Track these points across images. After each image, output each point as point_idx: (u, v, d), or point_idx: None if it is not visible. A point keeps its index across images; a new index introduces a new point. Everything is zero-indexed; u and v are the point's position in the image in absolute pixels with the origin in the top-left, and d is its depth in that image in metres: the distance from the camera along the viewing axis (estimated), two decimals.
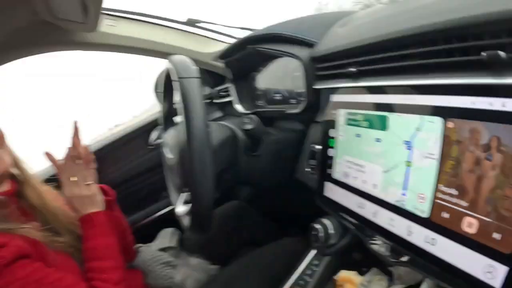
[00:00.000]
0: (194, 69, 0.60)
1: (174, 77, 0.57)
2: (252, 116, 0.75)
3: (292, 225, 1.08)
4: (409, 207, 0.45)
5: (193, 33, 1.15)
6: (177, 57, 0.65)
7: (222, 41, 1.16)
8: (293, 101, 0.81)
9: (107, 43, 1.00)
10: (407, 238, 0.45)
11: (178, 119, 0.61)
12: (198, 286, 0.90)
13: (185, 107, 0.53)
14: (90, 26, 0.86)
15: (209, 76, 1.21)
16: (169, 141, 0.75)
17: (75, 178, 0.73)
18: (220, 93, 1.13)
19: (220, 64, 1.10)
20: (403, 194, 0.46)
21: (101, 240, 0.70)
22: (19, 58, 0.94)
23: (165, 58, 1.09)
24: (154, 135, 1.21)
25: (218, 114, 1.22)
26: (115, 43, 1.01)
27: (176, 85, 0.56)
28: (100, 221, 0.72)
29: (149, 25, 1.07)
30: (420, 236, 0.43)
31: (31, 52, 0.94)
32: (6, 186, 0.72)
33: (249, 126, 0.74)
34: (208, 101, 1.19)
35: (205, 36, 1.15)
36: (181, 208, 0.66)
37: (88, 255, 0.68)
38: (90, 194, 0.73)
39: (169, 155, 0.73)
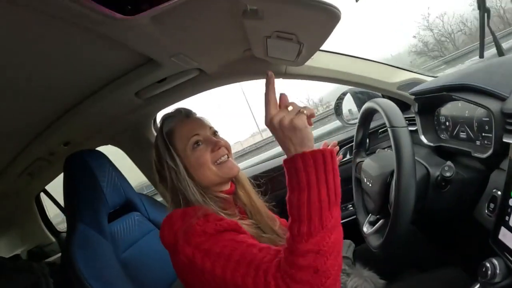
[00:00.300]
0: (403, 119, 0.78)
1: (386, 123, 0.78)
2: (449, 163, 0.83)
3: (451, 254, 1.09)
4: None
5: (379, 62, 1.27)
6: (385, 104, 0.84)
7: (408, 70, 1.24)
8: (478, 142, 0.86)
9: (306, 74, 1.19)
10: None
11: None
12: None
13: (397, 154, 0.74)
14: (299, 63, 0.99)
15: (393, 101, 1.32)
16: (368, 169, 0.95)
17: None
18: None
19: (404, 93, 1.20)
20: None
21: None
22: (229, 83, 1.21)
23: (354, 86, 1.29)
24: (340, 154, 1.45)
25: None
26: (312, 74, 1.19)
27: (389, 132, 0.77)
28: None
29: (339, 55, 1.22)
30: None
31: (240, 79, 1.19)
32: (227, 186, 0.88)
33: (448, 174, 0.81)
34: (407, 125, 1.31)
35: (391, 66, 1.26)
36: (367, 228, 0.88)
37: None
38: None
39: (367, 182, 0.94)
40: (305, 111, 0.62)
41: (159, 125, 0.90)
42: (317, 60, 1.16)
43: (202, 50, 0.93)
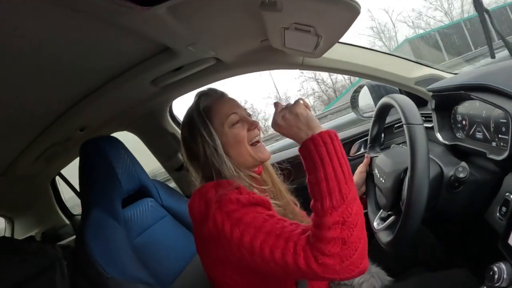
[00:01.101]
0: (419, 116, 0.78)
1: (401, 119, 0.78)
2: (464, 164, 0.82)
3: (460, 255, 1.09)
4: None
5: (399, 56, 1.25)
6: (401, 100, 0.83)
7: (427, 66, 1.22)
8: (494, 144, 0.85)
9: (323, 66, 1.18)
10: None
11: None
12: None
13: (411, 152, 0.73)
14: (316, 55, 0.98)
15: (410, 97, 1.30)
16: (382, 166, 0.95)
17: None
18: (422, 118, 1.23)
19: (421, 89, 1.18)
20: None
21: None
22: (246, 73, 1.23)
23: (371, 79, 1.28)
24: (355, 147, 1.45)
25: None
26: (329, 66, 1.18)
27: (404, 128, 0.77)
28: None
29: (357, 47, 1.20)
30: None
31: (257, 69, 1.20)
32: (257, 168, 0.93)
33: (461, 175, 0.81)
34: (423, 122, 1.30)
35: (409, 60, 1.24)
36: (378, 224, 0.88)
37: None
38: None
39: (380, 177, 0.93)
40: (300, 101, 0.74)
41: (193, 102, 0.90)
42: (335, 52, 1.14)
43: (219, 39, 0.94)
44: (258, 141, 0.89)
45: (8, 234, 1.90)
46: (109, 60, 0.92)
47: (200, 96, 0.91)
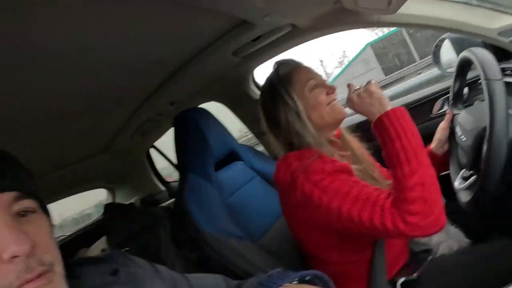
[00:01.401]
0: (498, 71, 0.73)
1: (480, 75, 0.75)
2: None
3: None
4: None
5: (479, 6, 1.11)
6: (480, 54, 0.79)
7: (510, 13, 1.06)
8: None
9: (399, 22, 1.10)
10: None
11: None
12: (448, 252, 0.96)
13: (490, 109, 0.70)
14: (390, 11, 0.94)
15: (494, 50, 1.15)
16: (464, 123, 0.90)
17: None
18: (505, 72, 1.09)
19: (506, 40, 1.04)
20: None
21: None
22: (320, 36, 1.19)
23: (451, 32, 1.17)
24: (438, 105, 1.36)
25: None
26: (405, 21, 1.09)
27: (482, 84, 0.73)
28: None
29: (433, 0, 1.09)
30: None
31: (332, 31, 1.17)
32: (336, 131, 0.98)
33: None
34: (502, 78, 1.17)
35: (492, 9, 1.09)
36: (459, 183, 0.85)
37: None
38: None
39: (462, 136, 0.89)
40: (372, 81, 0.83)
41: (273, 71, 0.96)
42: (410, 7, 1.07)
43: (293, 5, 0.95)
44: (333, 100, 0.92)
45: None
46: (191, 39, 0.99)
47: (279, 65, 0.96)
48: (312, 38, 1.21)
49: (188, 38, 0.97)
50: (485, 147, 0.75)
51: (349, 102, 0.86)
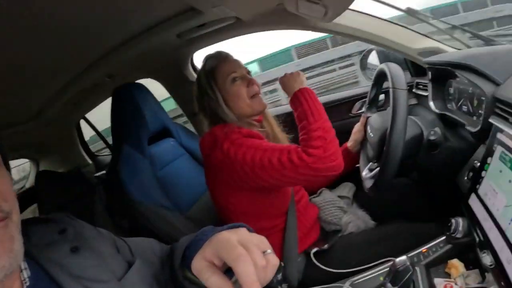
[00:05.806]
0: (404, 83, 0.91)
1: (389, 84, 0.92)
2: (437, 129, 0.98)
3: (433, 210, 1.19)
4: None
5: (405, 27, 1.29)
6: (393, 68, 0.96)
7: (431, 38, 1.27)
8: (474, 118, 0.93)
9: (333, 30, 1.25)
10: (507, 265, 0.59)
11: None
12: (356, 230, 1.11)
13: (393, 112, 0.87)
14: (327, 20, 1.08)
15: (412, 66, 1.40)
16: (373, 123, 1.09)
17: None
18: (419, 85, 1.32)
19: (423, 59, 1.25)
20: (509, 224, 0.61)
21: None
22: (261, 31, 1.32)
23: (379, 46, 1.35)
24: (357, 106, 1.56)
25: (413, 101, 1.40)
26: (338, 30, 1.26)
27: (390, 92, 0.90)
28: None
29: (368, 16, 1.26)
30: None
31: (272, 28, 1.30)
32: (257, 117, 1.11)
33: (432, 138, 0.98)
34: (407, 88, 1.38)
35: (415, 32, 1.28)
36: (366, 173, 1.03)
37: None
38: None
39: (371, 133, 1.07)
40: (299, 71, 1.07)
41: (202, 64, 1.07)
42: (346, 18, 1.22)
43: (240, 1, 1.03)
44: (257, 93, 1.05)
45: (32, 176, 1.97)
46: (138, 17, 1.01)
47: (207, 60, 1.08)
48: (253, 32, 1.33)
49: (135, 14, 0.98)
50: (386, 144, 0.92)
51: (280, 82, 1.07)
